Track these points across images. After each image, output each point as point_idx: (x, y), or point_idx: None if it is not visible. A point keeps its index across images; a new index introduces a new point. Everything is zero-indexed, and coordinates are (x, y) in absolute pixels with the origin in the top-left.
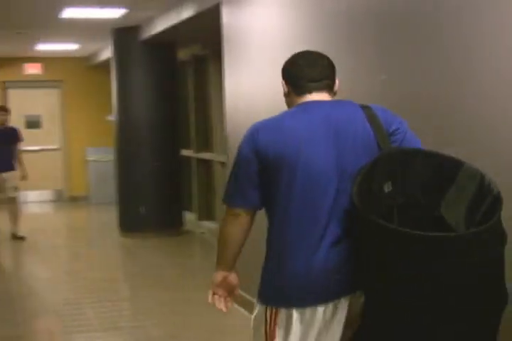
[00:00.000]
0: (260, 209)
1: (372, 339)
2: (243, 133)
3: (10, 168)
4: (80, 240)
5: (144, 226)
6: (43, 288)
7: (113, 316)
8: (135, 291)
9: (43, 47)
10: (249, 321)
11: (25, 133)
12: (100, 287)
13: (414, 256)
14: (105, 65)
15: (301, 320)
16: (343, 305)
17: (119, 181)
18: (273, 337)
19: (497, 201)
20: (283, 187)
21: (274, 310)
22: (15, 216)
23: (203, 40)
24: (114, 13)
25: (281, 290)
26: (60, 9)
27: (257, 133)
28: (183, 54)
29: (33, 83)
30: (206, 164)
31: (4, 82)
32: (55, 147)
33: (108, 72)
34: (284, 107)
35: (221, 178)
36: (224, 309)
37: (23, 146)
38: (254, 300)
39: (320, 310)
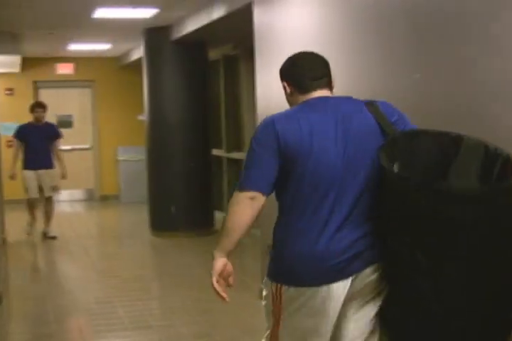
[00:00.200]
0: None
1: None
2: None
3: (49, 165)
4: (111, 239)
5: (175, 225)
6: (74, 286)
7: (143, 315)
8: (165, 290)
9: (75, 47)
10: None
11: None
12: (131, 286)
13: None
14: (136, 64)
15: (306, 297)
16: (345, 285)
17: (150, 181)
18: (280, 312)
19: (508, 162)
20: (296, 175)
21: (280, 287)
22: (49, 215)
23: (234, 40)
24: (146, 13)
25: (288, 269)
26: (93, 9)
27: (274, 124)
28: (213, 54)
29: (64, 83)
30: (237, 164)
31: (36, 82)
32: (86, 146)
33: (139, 72)
34: None
35: None
36: (227, 299)
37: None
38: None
39: (323, 288)
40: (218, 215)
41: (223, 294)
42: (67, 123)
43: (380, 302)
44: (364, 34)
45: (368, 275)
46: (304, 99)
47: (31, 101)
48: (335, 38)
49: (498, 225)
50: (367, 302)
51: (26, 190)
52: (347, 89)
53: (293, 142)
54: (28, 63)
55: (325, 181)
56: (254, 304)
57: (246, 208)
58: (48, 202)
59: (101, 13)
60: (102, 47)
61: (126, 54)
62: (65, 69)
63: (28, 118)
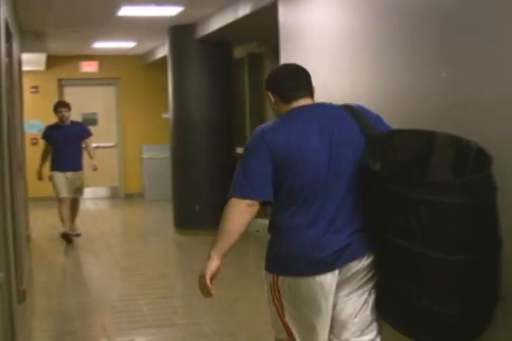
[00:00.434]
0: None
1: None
2: None
3: (75, 167)
4: (135, 237)
5: (199, 223)
6: (97, 284)
7: (167, 313)
8: (189, 288)
9: (100, 45)
10: None
11: None
12: (155, 284)
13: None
14: (161, 62)
15: (302, 287)
16: (335, 274)
17: (174, 179)
18: (281, 301)
19: (482, 154)
20: (288, 180)
21: (276, 278)
22: (73, 216)
23: (259, 38)
24: (171, 11)
25: (283, 261)
26: (117, 7)
27: (266, 135)
28: (238, 52)
29: (89, 81)
30: None
31: (60, 80)
32: (111, 144)
33: (164, 70)
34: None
35: None
36: (212, 296)
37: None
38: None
39: (316, 278)
40: None
41: (212, 292)
42: (91, 121)
43: (368, 288)
44: (389, 33)
45: (355, 266)
46: (287, 109)
47: (56, 99)
48: (360, 36)
49: (470, 212)
50: (356, 289)
51: (56, 190)
52: (371, 88)
53: (282, 152)
54: (52, 61)
55: (314, 184)
56: None
57: (245, 215)
58: (74, 203)
59: (126, 11)
60: (126, 45)
61: (151, 52)
62: (89, 67)
63: (52, 115)
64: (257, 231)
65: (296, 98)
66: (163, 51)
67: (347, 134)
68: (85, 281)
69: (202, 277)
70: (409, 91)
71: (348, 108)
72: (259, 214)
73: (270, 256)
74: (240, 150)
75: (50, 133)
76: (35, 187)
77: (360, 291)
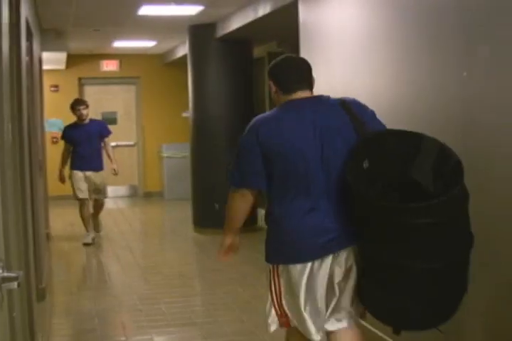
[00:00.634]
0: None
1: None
2: None
3: (96, 167)
4: (154, 236)
5: (218, 222)
6: (116, 282)
7: (186, 312)
8: (208, 287)
9: (120, 44)
10: None
11: None
12: (174, 282)
13: (394, 220)
14: (181, 61)
15: (295, 272)
16: (328, 261)
17: (194, 177)
18: (279, 287)
19: (459, 164)
20: (279, 170)
21: (275, 267)
22: (95, 215)
23: (279, 37)
24: (191, 10)
25: (283, 250)
26: (138, 6)
27: (258, 127)
28: (258, 51)
29: (109, 80)
30: None
31: (81, 79)
32: (130, 143)
33: (184, 69)
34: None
35: None
36: (228, 259)
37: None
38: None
39: (308, 264)
40: (261, 212)
41: (225, 258)
42: (111, 120)
43: (353, 273)
44: (409, 32)
45: (341, 255)
46: (286, 99)
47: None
48: (380, 35)
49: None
50: (344, 277)
51: (74, 190)
52: (392, 87)
53: (274, 143)
54: (73, 60)
55: (307, 173)
56: None
57: (241, 203)
58: (96, 204)
59: (146, 10)
60: (147, 44)
61: (171, 51)
62: (109, 66)
63: (72, 115)
64: None
65: (294, 90)
66: (183, 50)
67: (338, 131)
68: (105, 280)
69: (219, 250)
70: (431, 92)
71: (342, 102)
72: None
73: (270, 246)
74: None
75: (69, 133)
76: (55, 186)
77: (346, 279)
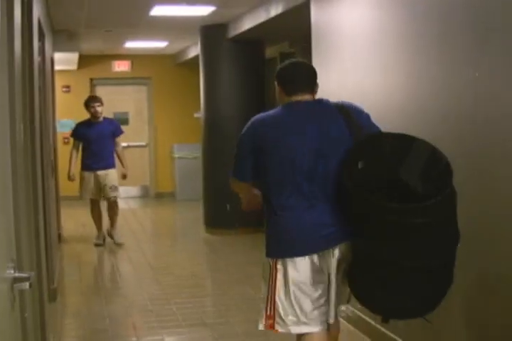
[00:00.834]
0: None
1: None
2: None
3: (108, 165)
4: (166, 236)
5: (230, 223)
6: (128, 283)
7: (197, 312)
8: (219, 288)
9: (132, 44)
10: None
11: None
12: (185, 283)
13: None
14: (193, 62)
15: (293, 266)
16: (326, 255)
17: (205, 178)
18: (275, 281)
19: (448, 166)
20: (275, 166)
21: (274, 260)
22: (112, 220)
23: (291, 38)
24: (203, 10)
25: (277, 246)
26: (150, 7)
27: (256, 126)
28: (270, 52)
29: (121, 80)
30: None
31: (92, 79)
32: (142, 144)
33: (196, 70)
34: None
35: None
36: (256, 206)
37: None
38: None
39: (307, 259)
40: None
41: (252, 204)
42: (123, 120)
43: (346, 265)
44: (421, 32)
45: (337, 249)
46: (288, 100)
47: None
48: (392, 35)
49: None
50: (338, 266)
51: (80, 191)
52: (404, 88)
53: (269, 140)
54: (84, 60)
55: (299, 172)
56: None
57: (240, 185)
58: (111, 204)
59: (158, 10)
60: (158, 44)
61: (183, 51)
62: (121, 66)
63: (84, 115)
64: None
65: (295, 92)
66: (195, 51)
67: (334, 128)
68: (116, 280)
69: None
70: (442, 91)
71: (339, 106)
72: None
73: (269, 242)
74: None
75: (82, 131)
76: (67, 186)
77: (339, 272)
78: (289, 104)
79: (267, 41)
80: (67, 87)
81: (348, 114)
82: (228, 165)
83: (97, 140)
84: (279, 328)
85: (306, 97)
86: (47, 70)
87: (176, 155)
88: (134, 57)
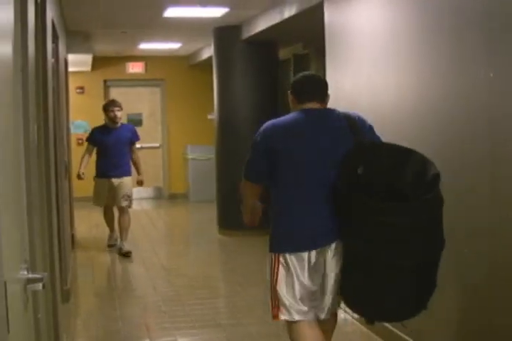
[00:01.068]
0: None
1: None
2: None
3: (123, 173)
4: (179, 238)
5: (243, 224)
6: (141, 284)
7: (210, 313)
8: (233, 289)
9: (146, 46)
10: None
11: None
12: (199, 284)
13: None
14: (207, 63)
15: (293, 260)
16: (324, 252)
17: (219, 179)
18: (277, 273)
19: (437, 177)
20: (285, 169)
21: (276, 255)
22: (122, 228)
23: (305, 39)
24: (216, 12)
25: (280, 242)
26: (163, 8)
27: (269, 131)
28: (284, 53)
29: (134, 82)
30: None
31: (106, 81)
32: (155, 145)
33: (209, 71)
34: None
35: None
36: (255, 223)
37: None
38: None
39: (306, 254)
40: None
41: (252, 220)
42: (136, 121)
43: (339, 263)
44: (435, 33)
45: (335, 247)
46: (299, 108)
47: (102, 100)
48: (405, 37)
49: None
50: (333, 263)
51: (94, 197)
52: (417, 89)
53: (279, 144)
54: (98, 62)
55: (304, 176)
56: None
57: (250, 189)
58: (122, 212)
59: (172, 12)
60: (172, 46)
61: (197, 53)
62: (135, 68)
63: (98, 116)
64: None
65: (307, 100)
66: (208, 52)
67: (340, 135)
68: (129, 281)
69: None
70: (456, 92)
71: (346, 115)
72: None
73: (274, 238)
74: None
75: (99, 136)
76: (81, 187)
77: (335, 264)
78: (301, 111)
79: (281, 42)
80: (81, 88)
81: (354, 123)
82: (241, 166)
83: (114, 146)
84: (282, 316)
85: (317, 105)
86: (61, 72)
87: (190, 157)
88: (148, 58)
